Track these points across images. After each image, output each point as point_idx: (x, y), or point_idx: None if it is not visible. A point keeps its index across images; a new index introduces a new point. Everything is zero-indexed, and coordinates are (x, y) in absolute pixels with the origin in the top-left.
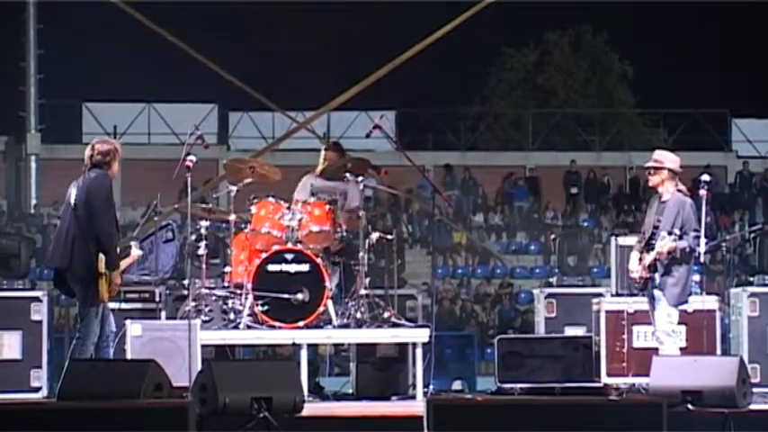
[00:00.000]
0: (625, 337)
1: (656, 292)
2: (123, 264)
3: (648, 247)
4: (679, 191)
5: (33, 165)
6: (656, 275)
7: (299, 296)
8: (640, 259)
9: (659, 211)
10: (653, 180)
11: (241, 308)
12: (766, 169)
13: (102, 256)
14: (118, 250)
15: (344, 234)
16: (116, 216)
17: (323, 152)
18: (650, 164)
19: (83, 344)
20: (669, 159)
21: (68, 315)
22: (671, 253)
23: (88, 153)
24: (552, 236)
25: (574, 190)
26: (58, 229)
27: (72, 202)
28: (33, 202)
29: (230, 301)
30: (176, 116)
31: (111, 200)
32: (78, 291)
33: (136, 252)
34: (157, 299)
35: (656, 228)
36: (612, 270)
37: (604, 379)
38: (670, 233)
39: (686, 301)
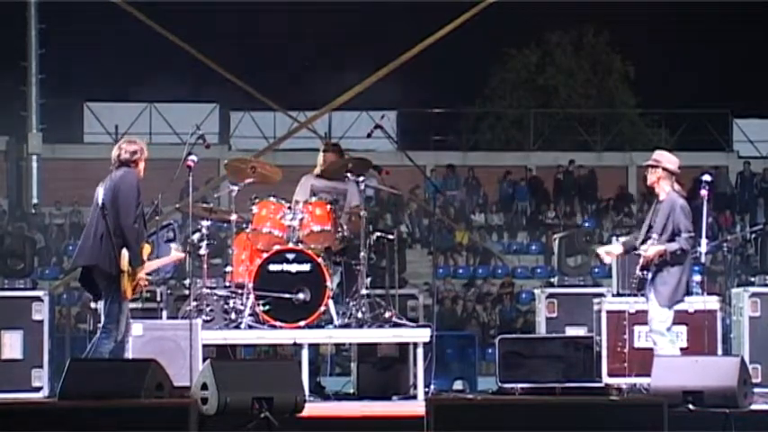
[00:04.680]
0: (626, 337)
1: (650, 294)
2: (159, 263)
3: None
4: (675, 191)
5: (34, 164)
6: (649, 276)
7: (301, 296)
8: (627, 251)
9: (655, 210)
10: (649, 179)
11: (242, 307)
12: (765, 169)
13: (125, 253)
14: (146, 248)
15: (346, 234)
16: (144, 214)
17: (321, 153)
18: (646, 162)
19: (106, 337)
20: (666, 159)
21: (69, 315)
22: (662, 256)
23: (115, 153)
24: (554, 236)
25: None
26: (86, 227)
27: (99, 201)
28: (34, 201)
29: (231, 301)
30: (178, 116)
31: (137, 198)
32: (104, 288)
33: (176, 254)
34: (159, 298)
35: (650, 227)
36: (614, 270)
37: (605, 379)
38: (649, 238)
39: (680, 301)
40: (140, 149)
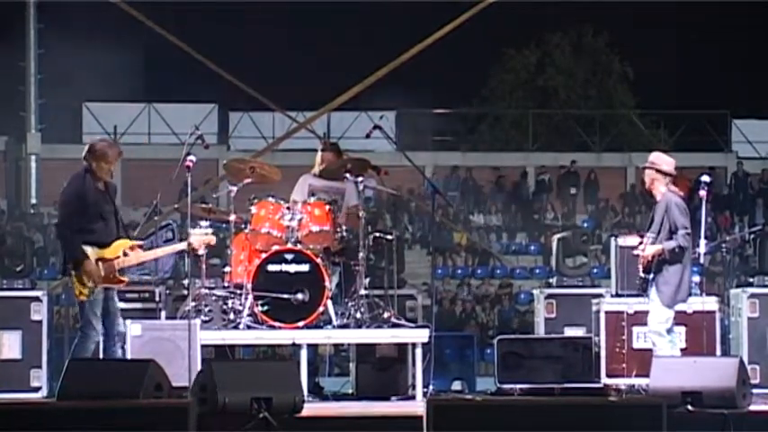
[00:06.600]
0: (625, 337)
1: (652, 294)
2: (170, 249)
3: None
4: (671, 192)
5: (33, 164)
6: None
7: (299, 296)
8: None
9: (654, 212)
10: (645, 181)
11: (241, 308)
12: (764, 170)
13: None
14: (122, 243)
15: (344, 234)
16: (99, 213)
17: (320, 153)
18: (643, 165)
19: (83, 340)
20: (662, 161)
21: (68, 315)
22: (660, 255)
23: None
24: (552, 236)
25: (573, 191)
26: None
27: None
28: (33, 201)
29: (230, 301)
30: (176, 116)
31: (75, 202)
32: None
33: (202, 239)
34: (157, 299)
35: (649, 228)
36: (612, 271)
37: (604, 380)
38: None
39: (683, 301)
40: (92, 150)
